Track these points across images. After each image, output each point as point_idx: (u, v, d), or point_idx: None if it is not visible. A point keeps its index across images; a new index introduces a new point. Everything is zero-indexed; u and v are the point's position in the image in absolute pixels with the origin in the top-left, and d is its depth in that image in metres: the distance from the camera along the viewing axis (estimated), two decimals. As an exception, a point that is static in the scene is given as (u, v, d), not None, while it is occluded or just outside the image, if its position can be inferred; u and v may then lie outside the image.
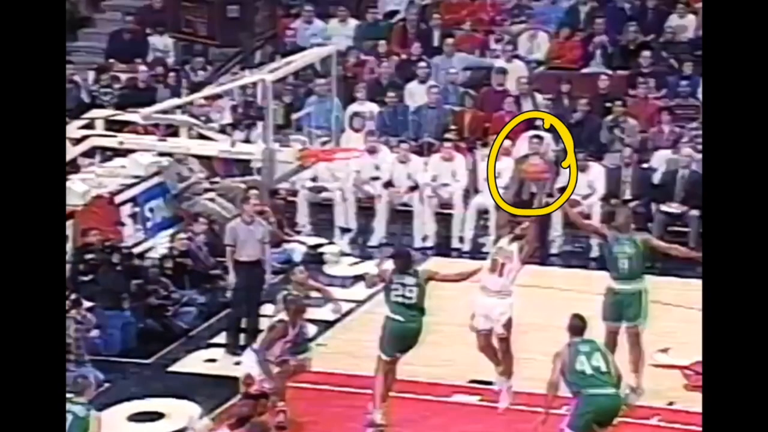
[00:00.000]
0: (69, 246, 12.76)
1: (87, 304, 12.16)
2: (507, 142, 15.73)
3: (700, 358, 11.70)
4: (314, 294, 11.87)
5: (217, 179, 15.18)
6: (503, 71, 16.87)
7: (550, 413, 9.81)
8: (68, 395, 8.86)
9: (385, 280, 10.84)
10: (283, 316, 10.71)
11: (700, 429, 10.57)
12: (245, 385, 10.57)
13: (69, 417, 8.87)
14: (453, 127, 16.21)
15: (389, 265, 10.94)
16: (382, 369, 10.73)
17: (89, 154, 15.04)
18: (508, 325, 10.74)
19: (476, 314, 10.81)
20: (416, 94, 16.90)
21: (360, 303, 13.41)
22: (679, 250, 11.69)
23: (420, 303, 10.72)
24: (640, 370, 11.09)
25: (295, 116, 16.09)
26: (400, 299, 10.72)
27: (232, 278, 12.39)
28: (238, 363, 12.13)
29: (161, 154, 14.82)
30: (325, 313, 12.39)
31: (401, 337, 10.74)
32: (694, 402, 11.11)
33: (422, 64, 17.26)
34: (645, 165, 15.38)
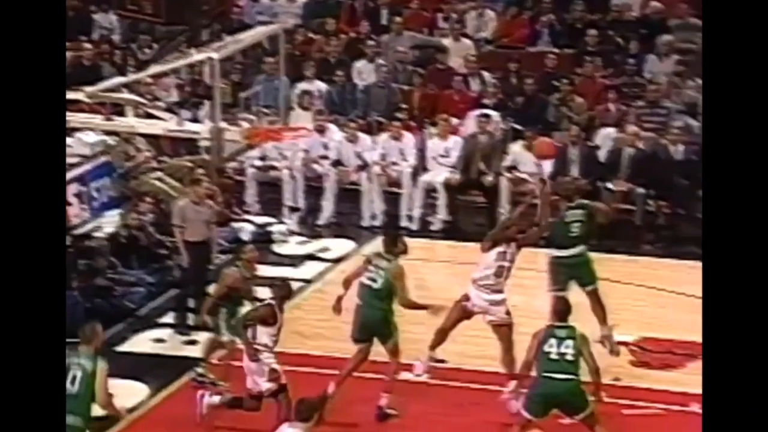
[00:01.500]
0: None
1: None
2: (455, 121, 15.82)
3: (646, 334, 11.93)
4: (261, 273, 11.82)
5: (164, 158, 15.09)
6: (444, 50, 16.93)
7: (519, 392, 9.88)
8: (75, 344, 8.72)
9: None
10: (269, 300, 10.26)
11: (646, 404, 10.77)
12: (272, 381, 10.06)
13: (78, 372, 8.70)
14: (402, 105, 16.23)
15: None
16: (355, 353, 10.55)
17: (34, 133, 14.88)
18: (509, 312, 10.64)
19: (472, 300, 10.62)
20: (364, 73, 16.90)
21: (309, 282, 13.42)
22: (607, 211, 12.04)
23: (384, 293, 10.40)
24: (607, 322, 11.33)
25: (243, 95, 16.02)
26: (366, 281, 10.49)
27: (185, 258, 12.33)
28: (187, 342, 12.14)
29: (107, 133, 14.70)
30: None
31: (360, 323, 10.50)
32: (640, 378, 11.26)
33: (371, 42, 17.25)
34: (590, 143, 15.47)
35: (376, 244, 13.19)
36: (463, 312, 10.71)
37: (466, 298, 10.70)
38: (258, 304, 10.52)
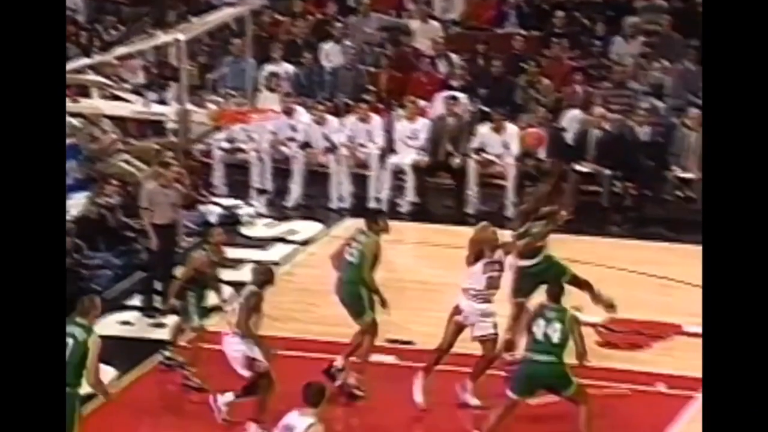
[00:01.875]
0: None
1: None
2: (422, 102, 15.83)
3: (612, 315, 11.97)
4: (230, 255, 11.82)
5: (131, 140, 15.03)
6: (408, 32, 16.94)
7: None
8: (71, 315, 8.70)
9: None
10: (252, 288, 10.15)
11: (613, 384, 10.85)
12: (249, 368, 9.97)
13: (69, 341, 8.68)
14: (369, 87, 16.22)
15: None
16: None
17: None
18: (496, 325, 10.54)
19: (464, 312, 10.51)
20: (332, 54, 16.87)
21: (277, 264, 13.40)
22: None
23: (359, 267, 10.42)
24: (593, 287, 11.25)
25: (209, 76, 15.96)
26: (348, 256, 10.58)
27: (155, 241, 12.26)
28: (154, 325, 12.11)
29: (73, 115, 14.60)
30: (243, 274, 12.35)
31: (341, 297, 10.57)
32: (607, 358, 11.33)
33: (338, 24, 17.22)
34: (556, 125, 15.52)
35: (345, 226, 13.25)
36: (457, 327, 10.57)
37: (458, 311, 10.54)
38: (247, 294, 10.18)
